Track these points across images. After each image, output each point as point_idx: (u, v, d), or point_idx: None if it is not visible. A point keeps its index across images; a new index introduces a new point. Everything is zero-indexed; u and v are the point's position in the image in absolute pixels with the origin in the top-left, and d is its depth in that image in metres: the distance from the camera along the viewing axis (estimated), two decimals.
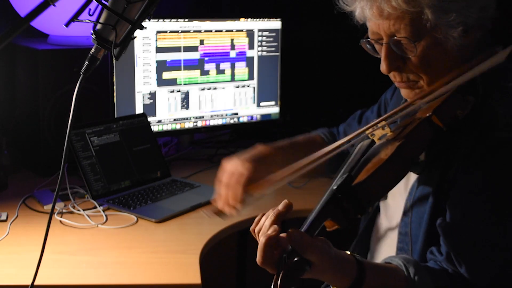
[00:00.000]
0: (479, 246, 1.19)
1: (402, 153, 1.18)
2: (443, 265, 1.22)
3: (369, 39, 1.29)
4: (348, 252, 1.15)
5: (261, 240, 1.06)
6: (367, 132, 1.28)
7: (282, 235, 1.08)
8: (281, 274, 1.00)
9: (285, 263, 1.02)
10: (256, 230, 1.16)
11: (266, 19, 2.49)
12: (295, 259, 1.02)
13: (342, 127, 1.77)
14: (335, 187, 1.13)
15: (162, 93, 2.32)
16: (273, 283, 1.00)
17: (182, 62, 2.34)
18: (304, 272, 1.03)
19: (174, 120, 2.36)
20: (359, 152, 1.26)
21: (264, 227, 1.12)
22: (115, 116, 2.21)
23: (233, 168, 1.44)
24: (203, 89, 2.40)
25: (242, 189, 1.40)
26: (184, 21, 2.31)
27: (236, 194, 1.40)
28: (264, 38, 2.50)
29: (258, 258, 1.06)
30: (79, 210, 1.86)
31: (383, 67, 1.28)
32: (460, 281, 1.19)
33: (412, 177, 1.32)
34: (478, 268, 1.19)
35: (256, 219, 1.17)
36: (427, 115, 1.21)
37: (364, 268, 1.13)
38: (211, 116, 2.44)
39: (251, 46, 2.48)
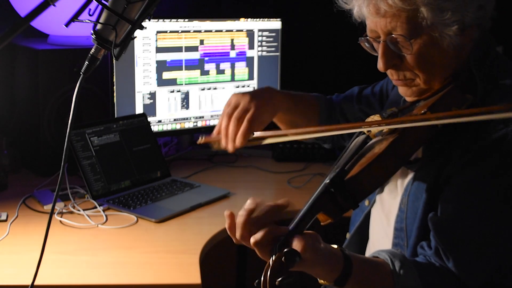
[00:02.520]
0: (467, 242, 1.20)
1: (396, 148, 1.19)
2: (431, 259, 1.23)
3: (367, 37, 1.30)
4: (336, 246, 1.16)
5: (251, 242, 1.10)
6: (363, 128, 1.29)
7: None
8: (271, 265, 1.00)
9: (276, 254, 1.03)
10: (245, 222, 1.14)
11: (266, 19, 2.49)
12: (285, 250, 1.03)
13: (339, 105, 1.72)
14: (328, 181, 1.14)
15: (162, 93, 2.32)
16: (263, 274, 1.00)
17: (183, 62, 2.34)
18: (294, 263, 1.03)
19: (174, 120, 2.36)
20: (354, 147, 1.28)
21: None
22: (115, 116, 2.21)
23: (241, 102, 1.44)
24: (203, 89, 2.40)
25: (248, 124, 1.41)
26: (184, 21, 2.31)
27: (241, 129, 1.40)
28: (264, 38, 2.50)
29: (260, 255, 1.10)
30: (79, 210, 1.85)
31: (380, 65, 1.29)
32: (447, 276, 1.20)
33: (408, 174, 1.33)
34: (466, 263, 1.20)
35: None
36: (422, 111, 1.22)
37: (351, 262, 1.14)
38: (211, 116, 2.44)
39: (251, 46, 2.48)
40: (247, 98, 1.44)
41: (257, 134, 1.42)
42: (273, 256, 1.03)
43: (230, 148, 1.42)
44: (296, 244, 1.05)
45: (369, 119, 1.30)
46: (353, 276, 1.14)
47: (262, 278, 1.01)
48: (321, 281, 1.16)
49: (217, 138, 1.45)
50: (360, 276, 1.15)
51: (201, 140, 1.47)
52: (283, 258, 1.02)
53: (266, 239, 1.09)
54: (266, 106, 1.46)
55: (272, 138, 1.42)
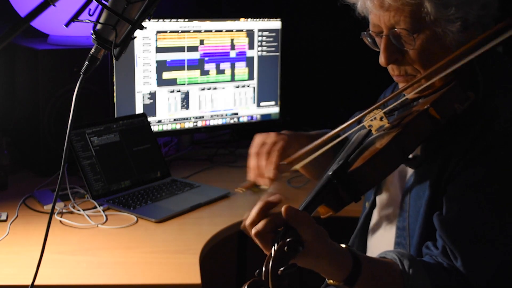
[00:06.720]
0: (475, 241, 1.19)
1: (398, 142, 1.19)
2: (439, 259, 1.22)
3: (370, 32, 1.31)
4: (343, 245, 1.15)
5: (252, 233, 1.07)
6: (365, 122, 1.29)
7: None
8: (273, 255, 1.00)
9: (278, 243, 1.01)
10: (246, 224, 1.11)
11: (266, 19, 2.49)
12: (288, 239, 1.02)
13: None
14: (330, 173, 1.14)
15: (162, 93, 2.32)
16: (264, 264, 0.99)
17: (186, 62, 2.34)
18: (297, 253, 1.02)
19: (174, 120, 2.36)
20: (356, 141, 1.28)
21: (251, 216, 1.09)
22: (115, 116, 2.21)
23: (265, 139, 1.41)
24: (203, 89, 2.40)
25: (278, 155, 1.36)
26: (184, 21, 2.31)
27: (271, 161, 1.36)
28: (264, 38, 2.50)
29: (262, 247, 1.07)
30: (79, 210, 1.85)
31: (381, 59, 1.29)
32: (455, 275, 1.19)
33: (408, 171, 1.33)
34: (474, 263, 1.19)
35: (244, 219, 1.13)
36: (425, 107, 1.22)
37: (360, 261, 1.13)
38: (211, 116, 2.45)
39: (251, 46, 2.48)
40: (272, 134, 1.40)
41: (288, 160, 1.37)
42: (275, 245, 1.01)
43: (267, 184, 1.37)
44: (300, 231, 1.03)
45: (372, 114, 1.30)
46: (362, 275, 1.12)
47: (263, 268, 0.99)
48: (330, 281, 1.14)
49: (253, 182, 1.41)
50: (370, 275, 1.13)
51: (239, 189, 1.43)
52: (285, 248, 1.00)
53: (267, 228, 1.06)
54: (293, 139, 1.42)
55: (306, 158, 1.35)
